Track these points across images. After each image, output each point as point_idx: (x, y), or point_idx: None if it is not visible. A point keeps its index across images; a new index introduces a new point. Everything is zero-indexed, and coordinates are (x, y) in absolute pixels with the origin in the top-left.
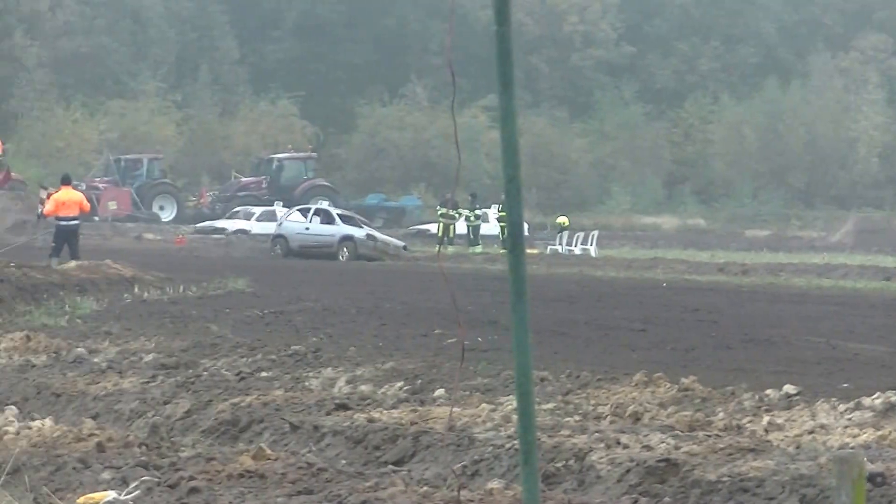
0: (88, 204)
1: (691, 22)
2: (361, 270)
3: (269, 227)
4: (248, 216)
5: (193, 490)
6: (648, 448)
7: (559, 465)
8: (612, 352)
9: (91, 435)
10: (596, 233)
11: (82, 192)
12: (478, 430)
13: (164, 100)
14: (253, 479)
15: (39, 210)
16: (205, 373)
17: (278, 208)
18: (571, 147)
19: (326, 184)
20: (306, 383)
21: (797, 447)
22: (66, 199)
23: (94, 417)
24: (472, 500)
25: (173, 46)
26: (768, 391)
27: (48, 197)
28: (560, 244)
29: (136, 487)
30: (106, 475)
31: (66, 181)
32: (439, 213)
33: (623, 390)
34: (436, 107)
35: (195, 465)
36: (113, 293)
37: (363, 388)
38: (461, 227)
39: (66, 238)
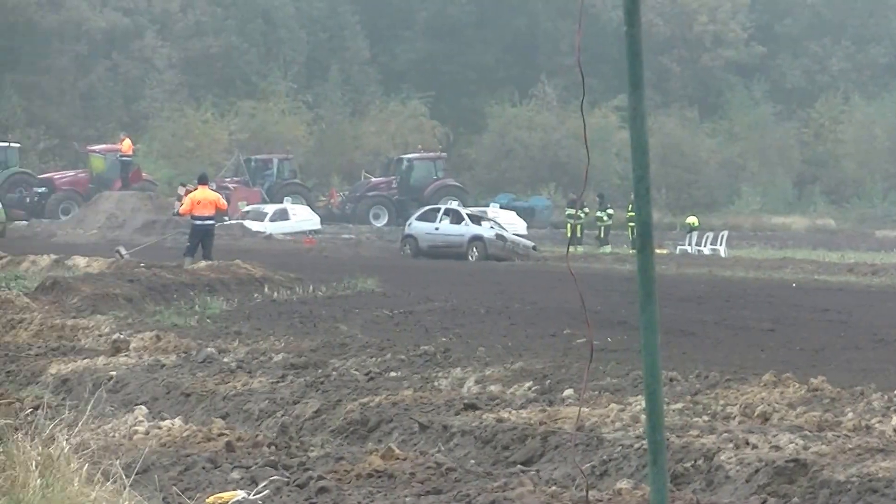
0: (225, 203)
1: (822, 22)
2: (491, 270)
3: (283, 227)
4: (259, 216)
5: (322, 490)
6: (777, 448)
7: (688, 465)
8: (741, 352)
9: (220, 435)
10: (725, 233)
11: (215, 190)
12: (606, 430)
13: (294, 100)
14: (382, 478)
15: (176, 208)
16: (334, 372)
17: (288, 205)
18: (701, 147)
19: (456, 184)
20: (435, 383)
21: None
22: (202, 199)
23: (223, 417)
24: (600, 501)
25: (304, 47)
26: None
27: (185, 194)
28: (689, 244)
29: (265, 487)
30: (235, 475)
31: (202, 180)
32: (566, 213)
33: (752, 390)
34: (565, 107)
35: (324, 464)
36: (243, 293)
37: (492, 388)
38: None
39: (200, 237)
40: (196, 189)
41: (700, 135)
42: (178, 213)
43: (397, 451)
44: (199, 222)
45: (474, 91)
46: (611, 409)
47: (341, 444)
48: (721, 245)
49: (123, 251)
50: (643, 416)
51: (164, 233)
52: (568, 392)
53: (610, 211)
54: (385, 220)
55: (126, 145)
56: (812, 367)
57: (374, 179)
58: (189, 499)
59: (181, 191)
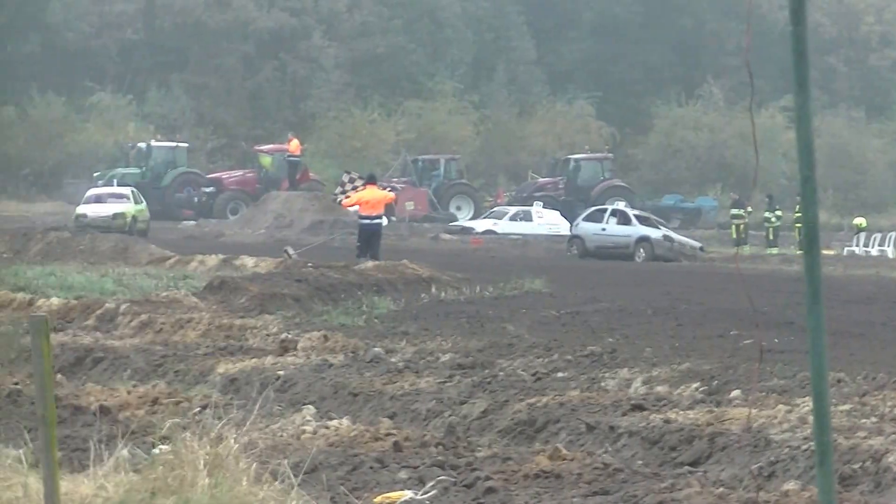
0: (393, 195)
1: None
2: (657, 271)
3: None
4: (500, 216)
5: (489, 490)
6: None
7: (855, 466)
8: None
9: (388, 434)
10: (894, 234)
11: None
12: (774, 431)
13: (460, 100)
14: (549, 479)
15: (338, 194)
16: (501, 373)
17: (536, 208)
18: (868, 148)
19: (623, 184)
20: (602, 384)
21: None
22: (371, 198)
23: (390, 417)
24: (768, 502)
25: (470, 47)
26: None
27: (349, 181)
28: (857, 245)
29: (433, 487)
30: (402, 475)
31: (371, 180)
32: (731, 213)
33: None
34: (732, 107)
35: (491, 464)
36: (410, 293)
37: (659, 388)
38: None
39: (368, 237)
40: (364, 188)
41: (867, 135)
42: (340, 202)
43: (564, 451)
44: (366, 222)
45: (640, 91)
46: (778, 411)
47: (508, 444)
48: (889, 246)
49: (291, 251)
50: (810, 418)
51: (331, 233)
52: (735, 393)
53: (778, 212)
54: None
55: (294, 145)
56: None
57: (540, 180)
58: (357, 498)
59: (345, 177)
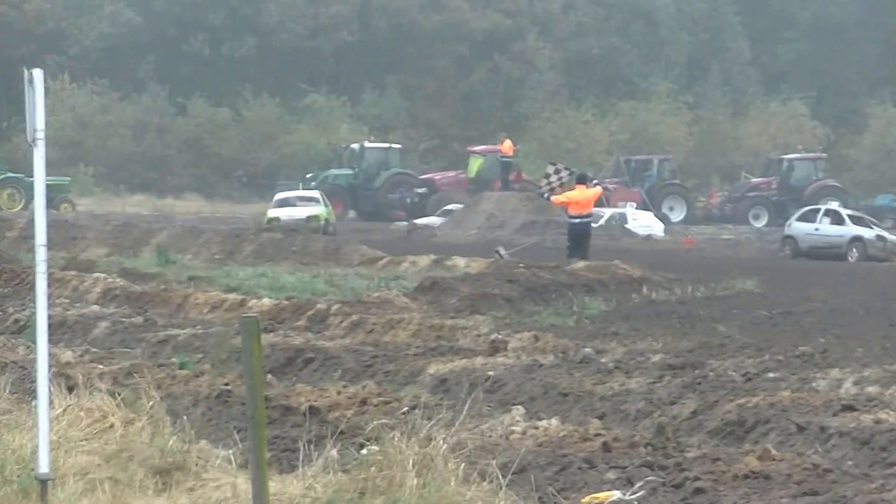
0: (600, 188)
1: None
2: (870, 271)
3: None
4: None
5: (698, 490)
6: None
7: None
8: None
9: (597, 435)
10: None
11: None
12: None
13: (674, 101)
14: (758, 479)
15: (543, 187)
16: (711, 373)
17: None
18: None
19: (836, 184)
20: (813, 384)
21: None
22: (580, 198)
23: (600, 417)
24: None
25: (685, 47)
26: None
27: (554, 173)
28: None
29: (641, 487)
30: (611, 475)
31: (581, 180)
32: None
33: None
34: None
35: (700, 465)
36: (621, 293)
37: (870, 389)
38: None
39: (578, 237)
40: (574, 189)
41: None
42: (547, 197)
43: (774, 452)
44: (576, 221)
45: (856, 91)
46: None
47: (718, 444)
48: None
49: (503, 251)
50: None
51: (543, 233)
52: None
53: None
54: (765, 221)
55: (507, 146)
56: None
57: (753, 180)
58: (564, 499)
59: (550, 169)
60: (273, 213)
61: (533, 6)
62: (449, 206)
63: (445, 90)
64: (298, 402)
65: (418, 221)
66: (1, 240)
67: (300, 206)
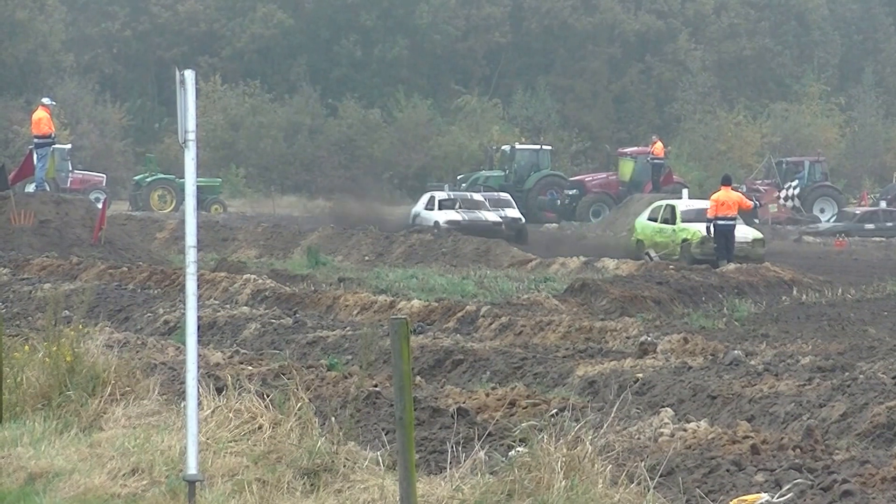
0: (749, 202)
1: None
2: None
3: None
4: None
5: (846, 493)
6: None
7: None
8: None
9: (746, 437)
10: None
11: (742, 193)
12: None
13: (826, 102)
14: None
15: None
16: (861, 376)
17: None
18: None
19: None
20: None
21: None
22: (725, 200)
23: (748, 420)
24: None
25: (837, 49)
26: None
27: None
28: None
29: (789, 490)
30: (759, 478)
31: (725, 182)
32: None
33: None
34: None
35: (849, 468)
36: (771, 296)
37: None
38: None
39: (722, 237)
40: (719, 191)
41: None
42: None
43: None
44: (721, 222)
45: None
46: None
47: (867, 447)
48: None
49: (653, 253)
50: None
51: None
52: None
53: None
54: None
55: (658, 148)
56: None
57: None
58: (712, 501)
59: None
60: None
61: (685, 7)
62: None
63: (597, 91)
64: (447, 403)
65: None
66: (152, 241)
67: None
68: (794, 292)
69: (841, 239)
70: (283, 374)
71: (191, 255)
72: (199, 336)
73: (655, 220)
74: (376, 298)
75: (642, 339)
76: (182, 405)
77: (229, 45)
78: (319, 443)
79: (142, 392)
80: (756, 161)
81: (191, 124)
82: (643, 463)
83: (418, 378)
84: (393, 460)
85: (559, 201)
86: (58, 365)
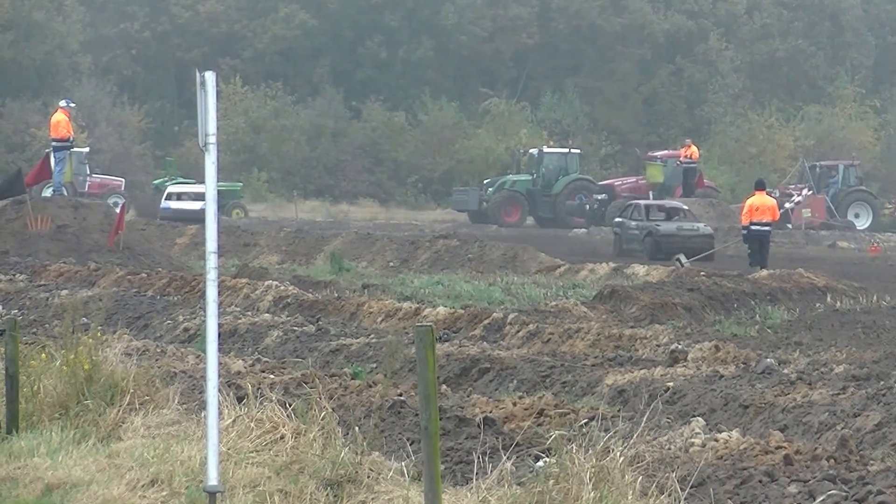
0: (778, 213)
1: None
2: None
3: None
4: None
5: None
6: None
7: None
8: None
9: (778, 447)
10: None
11: (776, 198)
12: None
13: (861, 105)
14: None
15: None
16: None
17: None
18: None
19: None
20: None
21: None
22: (760, 205)
23: (781, 429)
24: None
25: (872, 50)
26: None
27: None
28: None
29: (823, 502)
30: (792, 489)
31: (759, 186)
32: None
33: None
34: None
35: (884, 479)
36: (804, 302)
37: None
38: None
39: (756, 243)
40: (753, 195)
41: None
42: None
43: None
44: (756, 228)
45: None
46: None
47: None
48: None
49: (684, 259)
50: None
51: (725, 241)
52: None
53: None
54: None
55: (693, 151)
56: None
57: None
58: None
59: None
60: None
61: (716, 7)
62: None
63: (627, 94)
64: (473, 412)
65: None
66: (171, 247)
67: None
68: (828, 299)
69: (875, 245)
70: (306, 383)
71: (211, 261)
72: (219, 344)
73: None
74: (401, 305)
75: (673, 347)
76: (202, 414)
77: (251, 47)
78: (343, 453)
79: (161, 401)
80: (789, 165)
81: (211, 127)
82: (674, 474)
83: (444, 387)
84: (418, 471)
85: (588, 206)
86: (75, 373)
